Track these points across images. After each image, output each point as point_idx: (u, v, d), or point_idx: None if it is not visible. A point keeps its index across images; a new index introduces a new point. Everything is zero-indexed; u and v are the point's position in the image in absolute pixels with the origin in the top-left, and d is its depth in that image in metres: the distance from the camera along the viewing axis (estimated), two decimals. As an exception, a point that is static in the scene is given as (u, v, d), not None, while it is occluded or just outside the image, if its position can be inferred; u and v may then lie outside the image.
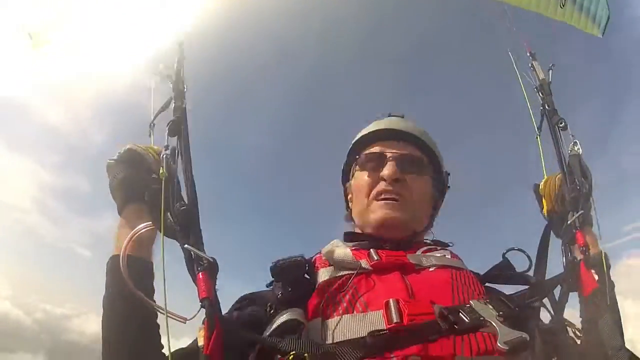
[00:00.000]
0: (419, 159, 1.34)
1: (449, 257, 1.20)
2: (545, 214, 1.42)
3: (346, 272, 1.09)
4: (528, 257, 1.22)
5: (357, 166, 1.38)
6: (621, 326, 1.08)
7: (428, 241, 1.32)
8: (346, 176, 1.48)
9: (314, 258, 1.22)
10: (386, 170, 1.28)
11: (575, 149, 1.38)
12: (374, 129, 1.40)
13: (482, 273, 1.24)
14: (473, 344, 0.88)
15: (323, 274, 1.11)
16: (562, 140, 1.42)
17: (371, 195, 1.29)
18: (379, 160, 1.32)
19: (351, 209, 1.40)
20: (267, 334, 0.96)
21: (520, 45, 1.72)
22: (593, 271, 1.16)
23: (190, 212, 1.02)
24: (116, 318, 1.01)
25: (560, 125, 1.43)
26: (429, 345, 0.86)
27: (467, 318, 0.91)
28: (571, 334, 1.09)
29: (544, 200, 1.43)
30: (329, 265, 1.14)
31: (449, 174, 1.45)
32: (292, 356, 0.84)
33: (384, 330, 0.89)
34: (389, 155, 1.31)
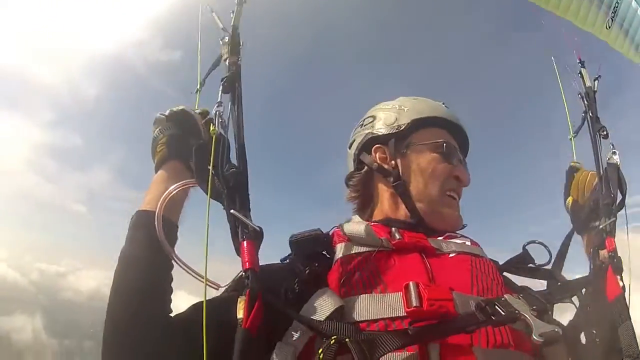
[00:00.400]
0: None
1: (469, 244, 1.19)
2: (570, 204, 1.46)
3: (366, 249, 1.07)
4: (548, 250, 1.22)
5: (429, 146, 1.27)
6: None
7: None
8: (399, 142, 1.30)
9: (332, 232, 1.20)
10: (462, 174, 1.27)
11: (614, 158, 1.37)
12: (441, 116, 1.32)
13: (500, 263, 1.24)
14: (490, 337, 0.88)
15: (341, 250, 1.09)
16: (601, 147, 1.41)
17: (443, 188, 1.24)
18: (454, 154, 1.29)
19: (403, 182, 1.26)
20: (308, 315, 0.91)
21: (570, 51, 1.70)
22: (619, 277, 1.15)
23: (240, 174, 0.98)
24: (134, 274, 0.97)
25: (603, 133, 1.43)
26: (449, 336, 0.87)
27: (503, 311, 0.91)
28: (591, 336, 1.09)
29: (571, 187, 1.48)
30: (348, 241, 1.11)
31: None
32: (333, 340, 0.83)
33: (423, 319, 0.88)
34: (457, 153, 1.31)
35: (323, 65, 54.94)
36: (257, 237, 0.92)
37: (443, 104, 1.40)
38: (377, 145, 1.32)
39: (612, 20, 2.41)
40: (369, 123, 1.37)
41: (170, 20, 37.02)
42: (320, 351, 0.82)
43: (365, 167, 1.33)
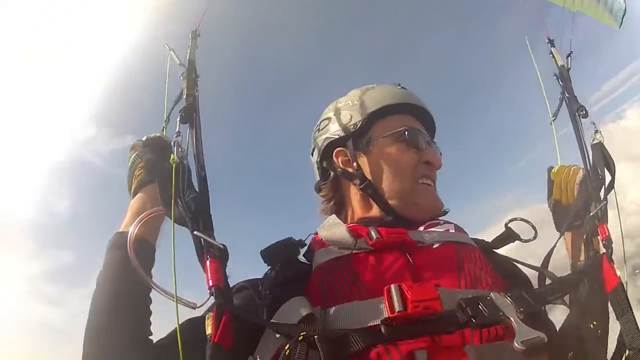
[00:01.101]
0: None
1: (453, 231, 1.14)
2: (552, 204, 1.40)
3: (344, 253, 1.04)
4: (533, 227, 1.18)
5: (389, 137, 1.22)
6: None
7: None
8: (357, 139, 1.25)
9: (310, 238, 1.19)
10: (432, 157, 1.22)
11: (597, 137, 1.31)
12: (399, 102, 1.26)
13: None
14: (484, 333, 0.84)
15: (320, 255, 1.07)
16: (582, 128, 1.35)
17: (414, 177, 1.20)
18: (423, 139, 1.23)
19: (367, 181, 1.21)
20: (276, 320, 0.92)
21: (539, 31, 1.65)
22: (616, 266, 1.09)
23: (201, 198, 1.02)
24: (110, 298, 1.01)
25: (582, 113, 1.37)
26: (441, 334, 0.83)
27: (486, 312, 0.86)
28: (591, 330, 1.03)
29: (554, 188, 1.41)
30: (325, 246, 1.09)
31: None
32: (301, 337, 0.81)
33: (395, 318, 0.84)
34: (423, 136, 1.24)
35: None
36: (221, 255, 0.94)
37: (399, 85, 1.34)
38: (337, 149, 1.28)
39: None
40: (325, 127, 1.32)
41: (114, 109, 39.04)
42: (287, 347, 0.81)
43: (331, 174, 1.30)
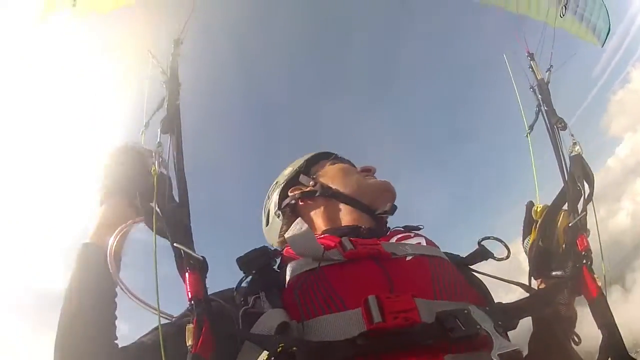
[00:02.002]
0: None
1: (424, 244, 1.15)
2: (529, 245, 1.29)
3: (317, 264, 1.02)
4: (506, 246, 1.17)
5: (328, 162, 1.48)
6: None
7: (400, 228, 1.28)
8: (307, 171, 1.48)
9: (284, 249, 1.19)
10: (367, 166, 1.48)
11: (576, 149, 1.32)
12: (325, 152, 1.56)
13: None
14: (461, 345, 0.83)
15: (293, 267, 1.05)
16: (561, 141, 1.36)
17: (358, 175, 1.43)
18: (346, 160, 1.50)
19: (331, 191, 1.37)
20: (255, 331, 0.91)
21: (519, 45, 1.68)
22: (596, 276, 1.08)
23: (181, 210, 1.02)
24: (81, 306, 0.99)
25: (560, 125, 1.38)
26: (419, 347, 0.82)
27: (463, 326, 0.85)
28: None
29: (534, 227, 1.29)
30: (297, 257, 1.08)
31: None
32: (280, 348, 0.80)
33: (373, 331, 0.82)
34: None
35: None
36: (200, 266, 0.95)
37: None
38: (291, 188, 1.46)
39: (565, 8, 2.42)
40: (273, 188, 1.53)
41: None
42: (265, 358, 0.81)
43: (290, 203, 1.42)
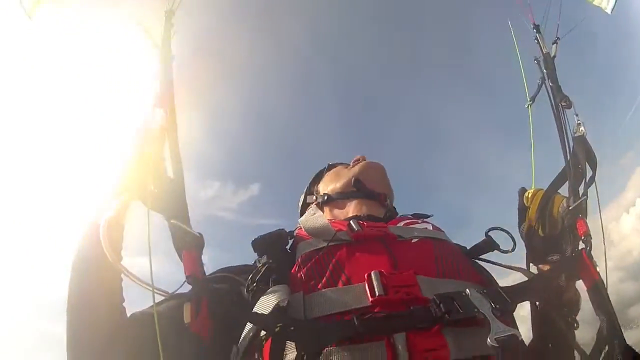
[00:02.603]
0: None
1: (431, 229, 1.16)
2: (526, 230, 1.28)
3: (326, 244, 1.05)
4: (512, 237, 1.15)
5: (325, 173, 1.60)
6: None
7: (408, 215, 1.30)
8: (313, 185, 1.62)
9: (295, 230, 1.20)
10: (356, 156, 1.53)
11: (580, 130, 1.26)
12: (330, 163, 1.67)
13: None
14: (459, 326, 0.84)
15: (303, 247, 1.08)
16: (565, 119, 1.30)
17: (347, 167, 1.53)
18: (344, 164, 1.59)
19: (325, 195, 1.47)
20: (255, 310, 0.91)
21: (524, 16, 1.57)
22: (595, 262, 1.07)
23: (176, 185, 1.02)
24: (86, 283, 0.97)
25: (564, 104, 1.31)
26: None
27: (460, 308, 0.85)
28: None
29: (528, 213, 1.28)
30: (308, 238, 1.10)
31: None
32: (278, 328, 0.80)
33: (371, 313, 0.83)
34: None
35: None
36: (197, 243, 0.95)
37: None
38: (309, 197, 1.59)
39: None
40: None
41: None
42: (262, 336, 0.83)
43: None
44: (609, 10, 2.41)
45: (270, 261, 1.03)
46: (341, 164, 1.63)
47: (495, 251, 1.14)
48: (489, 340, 0.80)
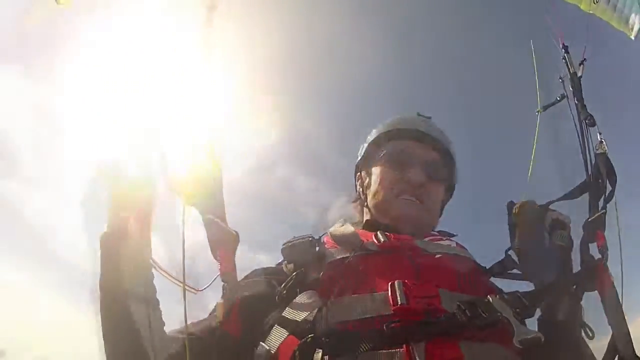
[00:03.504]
0: (440, 165, 1.34)
1: (455, 246, 1.19)
2: (518, 250, 1.18)
3: (353, 253, 1.07)
4: None
5: (382, 159, 1.35)
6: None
7: (434, 232, 1.32)
8: (365, 162, 1.44)
9: (323, 238, 1.21)
10: (413, 174, 1.25)
11: (602, 147, 1.33)
12: (401, 127, 1.38)
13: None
14: (481, 334, 0.86)
15: (330, 254, 1.10)
16: (589, 137, 1.37)
17: (393, 193, 1.27)
18: (405, 159, 1.30)
19: (365, 196, 1.38)
20: (285, 315, 0.94)
21: (555, 36, 1.65)
22: (611, 273, 1.12)
23: (215, 182, 1.05)
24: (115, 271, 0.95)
25: (588, 121, 1.38)
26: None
27: (485, 314, 0.88)
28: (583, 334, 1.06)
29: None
30: (336, 246, 1.13)
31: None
32: (309, 339, 0.83)
33: (398, 320, 0.85)
34: (415, 157, 1.29)
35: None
36: (234, 241, 0.98)
37: (417, 113, 1.45)
38: (357, 174, 1.47)
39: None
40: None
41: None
42: (296, 349, 0.83)
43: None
44: (632, 36, 2.49)
45: (300, 270, 1.05)
46: (385, 155, 1.34)
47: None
48: (514, 342, 0.82)
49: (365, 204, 1.35)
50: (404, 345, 0.80)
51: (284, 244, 1.11)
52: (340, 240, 1.12)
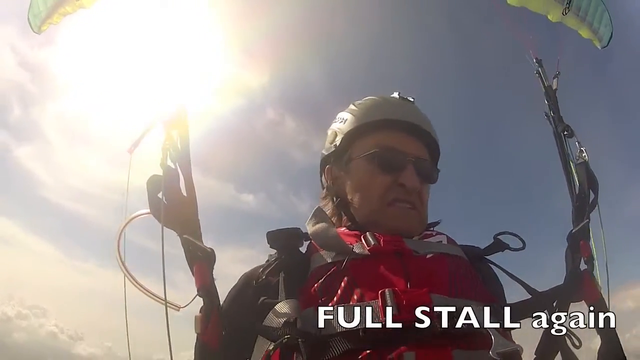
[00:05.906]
0: (429, 164, 1.24)
1: (445, 242, 1.16)
2: None
3: (340, 258, 1.02)
4: (521, 239, 1.16)
5: (366, 157, 1.17)
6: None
7: None
8: (339, 156, 1.25)
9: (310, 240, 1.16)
10: (408, 180, 1.13)
11: (582, 156, 1.36)
12: (388, 118, 1.20)
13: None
14: (463, 343, 0.85)
15: (316, 259, 1.06)
16: (568, 147, 1.40)
17: (384, 201, 1.14)
18: (398, 159, 1.16)
19: (341, 200, 1.22)
20: (265, 323, 0.94)
21: (526, 51, 1.70)
22: (598, 282, 1.14)
23: (189, 202, 1.11)
24: None
25: (567, 133, 1.42)
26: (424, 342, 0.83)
27: (464, 324, 0.87)
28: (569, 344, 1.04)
29: None
30: (321, 250, 1.08)
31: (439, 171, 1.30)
32: (285, 340, 0.84)
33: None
34: (406, 156, 1.16)
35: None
36: (208, 257, 1.03)
37: (399, 95, 1.28)
38: (327, 166, 1.29)
39: (568, 8, 2.43)
40: (326, 140, 1.34)
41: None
42: (270, 348, 0.85)
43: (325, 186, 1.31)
44: (599, 46, 2.57)
45: (282, 256, 1.06)
46: (374, 154, 1.17)
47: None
48: (490, 353, 0.81)
49: (344, 210, 1.21)
50: (394, 353, 0.80)
51: (270, 231, 1.12)
52: (325, 244, 1.08)
